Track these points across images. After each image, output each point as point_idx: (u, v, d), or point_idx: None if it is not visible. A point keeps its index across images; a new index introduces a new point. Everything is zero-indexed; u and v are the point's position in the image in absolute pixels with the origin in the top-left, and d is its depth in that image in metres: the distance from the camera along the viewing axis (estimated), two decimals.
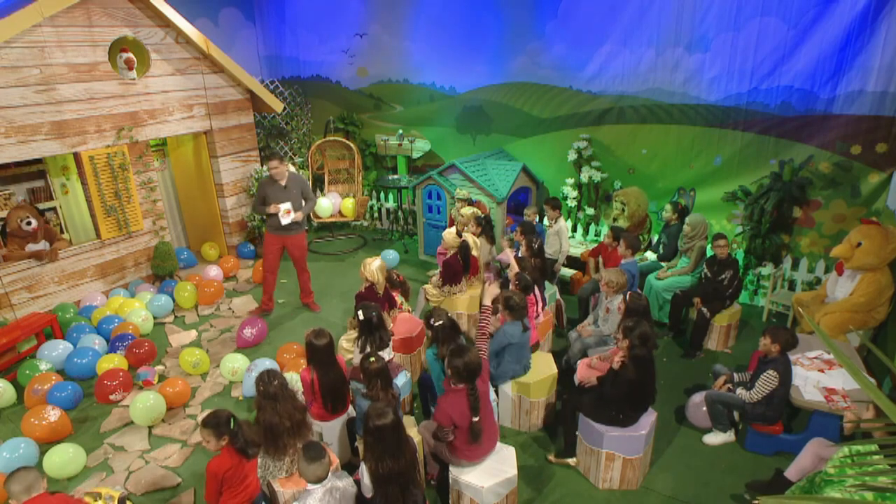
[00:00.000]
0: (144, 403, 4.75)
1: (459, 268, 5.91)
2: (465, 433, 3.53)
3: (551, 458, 4.35)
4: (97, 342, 5.75)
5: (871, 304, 5.04)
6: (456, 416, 3.47)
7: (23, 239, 6.20)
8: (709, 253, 6.07)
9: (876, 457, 2.40)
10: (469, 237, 6.12)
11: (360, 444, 3.86)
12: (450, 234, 6.05)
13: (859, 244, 5.08)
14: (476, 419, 3.49)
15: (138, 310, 6.33)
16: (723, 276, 5.57)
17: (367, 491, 3.12)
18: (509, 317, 4.41)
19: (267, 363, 5.20)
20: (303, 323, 6.53)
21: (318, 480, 2.99)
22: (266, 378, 3.54)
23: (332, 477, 3.08)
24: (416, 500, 3.15)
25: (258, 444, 3.41)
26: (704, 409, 4.52)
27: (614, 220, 6.99)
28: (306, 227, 6.56)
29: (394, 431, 3.08)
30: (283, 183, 6.08)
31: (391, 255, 8.10)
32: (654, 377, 3.96)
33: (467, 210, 6.62)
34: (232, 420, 3.25)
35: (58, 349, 5.58)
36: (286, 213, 6.06)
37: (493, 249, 6.58)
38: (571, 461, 4.29)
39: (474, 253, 6.08)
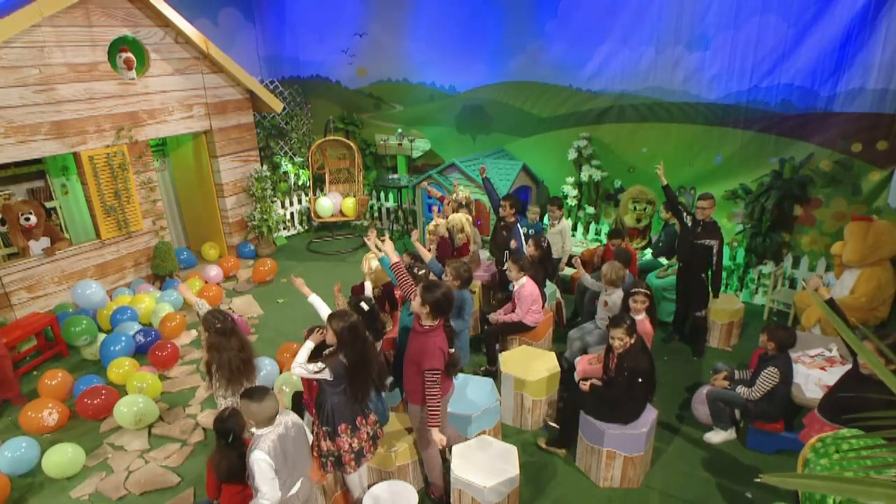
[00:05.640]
0: (130, 408, 4.69)
1: (449, 247, 6.00)
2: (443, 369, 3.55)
3: (542, 443, 4.44)
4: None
5: (873, 299, 5.03)
6: (445, 348, 3.50)
7: (22, 234, 6.21)
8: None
9: (883, 450, 2.39)
10: (462, 218, 6.11)
11: None
12: (434, 224, 6.07)
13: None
14: (452, 350, 3.57)
15: (161, 307, 6.40)
16: (704, 241, 5.21)
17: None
18: (460, 286, 4.44)
19: (267, 362, 5.20)
20: (302, 322, 6.51)
21: (273, 418, 2.90)
22: (219, 316, 3.60)
23: (281, 414, 3.03)
24: (376, 383, 3.51)
25: (232, 476, 3.25)
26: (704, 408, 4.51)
27: (638, 220, 6.98)
28: None
29: (362, 326, 3.36)
30: None
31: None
32: (653, 365, 3.97)
33: (463, 191, 6.68)
34: (230, 436, 3.21)
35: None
36: None
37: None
38: (560, 452, 4.36)
39: (461, 235, 6.09)
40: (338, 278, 7.73)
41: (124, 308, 6.22)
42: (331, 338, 3.32)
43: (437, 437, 3.48)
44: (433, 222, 6.13)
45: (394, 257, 4.07)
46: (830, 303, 4.08)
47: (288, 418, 3.04)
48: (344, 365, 3.27)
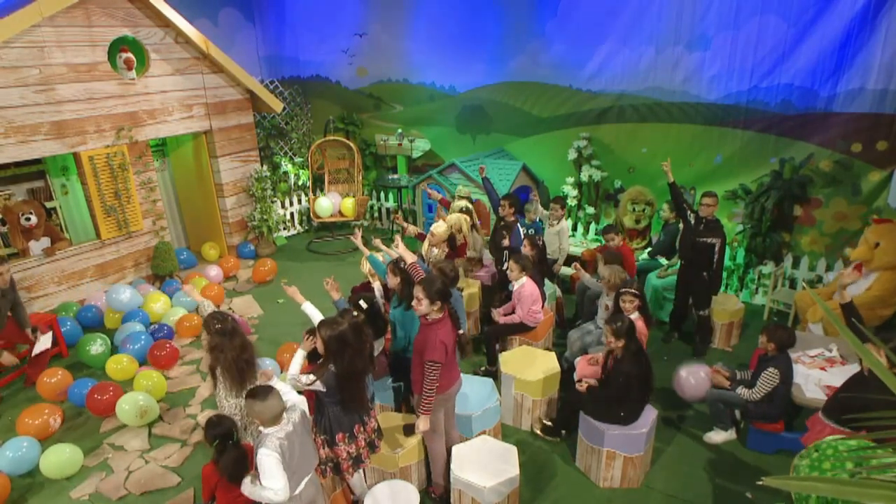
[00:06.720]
0: (133, 404, 4.69)
1: (450, 252, 6.05)
2: (451, 354, 3.56)
3: (537, 430, 4.56)
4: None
5: (884, 300, 5.02)
6: (448, 341, 3.51)
7: (22, 234, 6.20)
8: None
9: (879, 451, 2.39)
10: (462, 219, 6.14)
11: None
12: (438, 227, 6.08)
13: (877, 244, 5.06)
14: (462, 331, 3.61)
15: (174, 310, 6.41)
16: (706, 239, 5.19)
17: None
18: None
19: (267, 362, 5.19)
20: (302, 323, 6.50)
21: (279, 417, 2.88)
22: (220, 317, 3.58)
23: (288, 412, 3.00)
24: (368, 389, 3.56)
25: (242, 475, 3.18)
26: (692, 380, 4.50)
27: (637, 221, 6.99)
28: None
29: (355, 333, 3.31)
30: None
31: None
32: (649, 367, 3.97)
33: (459, 203, 6.70)
34: (234, 436, 3.19)
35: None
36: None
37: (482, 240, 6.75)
38: (553, 439, 4.49)
39: (459, 235, 6.13)
40: (338, 279, 7.75)
41: (135, 311, 6.23)
42: (320, 346, 3.31)
43: (422, 422, 3.53)
44: (435, 224, 6.12)
45: (408, 258, 4.21)
46: (850, 306, 4.07)
47: (295, 415, 3.03)
48: (335, 375, 3.26)
